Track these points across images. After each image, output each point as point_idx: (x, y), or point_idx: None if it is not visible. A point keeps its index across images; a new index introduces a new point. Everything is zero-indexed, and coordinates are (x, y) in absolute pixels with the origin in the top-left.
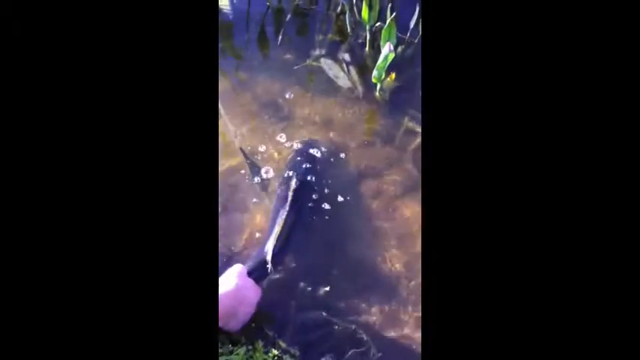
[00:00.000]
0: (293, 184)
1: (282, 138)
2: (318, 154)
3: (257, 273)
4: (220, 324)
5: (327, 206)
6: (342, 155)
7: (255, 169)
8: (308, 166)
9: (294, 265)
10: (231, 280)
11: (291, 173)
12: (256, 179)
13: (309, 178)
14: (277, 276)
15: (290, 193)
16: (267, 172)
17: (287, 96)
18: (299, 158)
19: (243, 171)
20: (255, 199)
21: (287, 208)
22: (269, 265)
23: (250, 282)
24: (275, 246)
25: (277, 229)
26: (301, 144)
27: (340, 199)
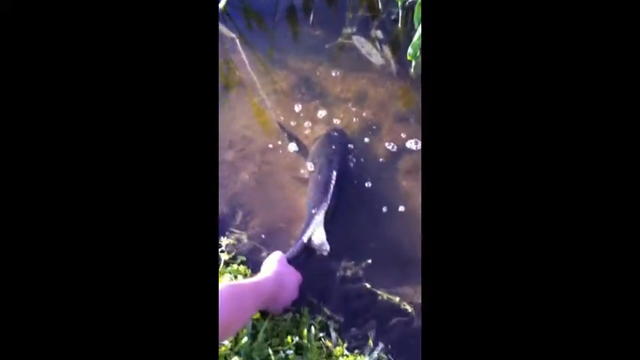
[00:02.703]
0: (333, 175)
1: (318, 115)
2: (350, 138)
3: (297, 260)
4: (262, 307)
5: (367, 184)
6: (376, 134)
7: (291, 141)
8: (341, 149)
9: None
10: (270, 267)
11: (327, 159)
12: (292, 147)
13: (347, 162)
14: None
15: (331, 186)
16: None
17: (317, 73)
18: (333, 146)
19: (280, 149)
20: (293, 174)
21: (328, 201)
22: (326, 247)
23: (290, 268)
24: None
25: (319, 219)
26: (330, 130)
27: (376, 177)
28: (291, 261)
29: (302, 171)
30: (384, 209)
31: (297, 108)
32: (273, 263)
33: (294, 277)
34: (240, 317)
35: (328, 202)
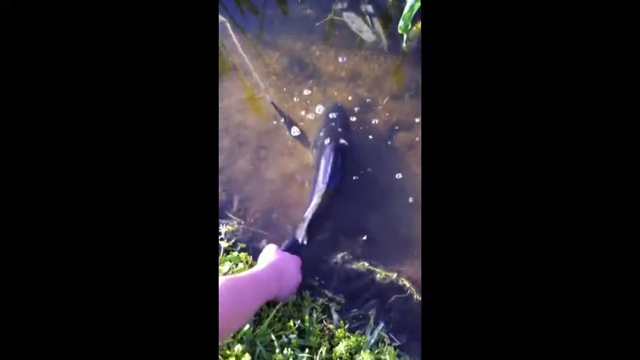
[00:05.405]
0: (331, 157)
1: (309, 96)
2: (349, 116)
3: (292, 250)
4: (265, 298)
5: (362, 164)
6: (372, 111)
7: (288, 124)
8: (339, 129)
9: (333, 222)
10: (265, 259)
11: (326, 141)
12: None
13: (342, 141)
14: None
15: (329, 167)
16: (296, 132)
17: (315, 52)
18: (332, 124)
19: (277, 133)
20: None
21: (326, 181)
22: (302, 238)
23: (285, 255)
24: (312, 219)
25: (316, 201)
26: (329, 107)
27: (374, 154)
28: (288, 249)
29: (306, 155)
30: (382, 185)
31: (292, 89)
32: (267, 255)
33: (292, 263)
34: (240, 312)
35: (326, 184)
